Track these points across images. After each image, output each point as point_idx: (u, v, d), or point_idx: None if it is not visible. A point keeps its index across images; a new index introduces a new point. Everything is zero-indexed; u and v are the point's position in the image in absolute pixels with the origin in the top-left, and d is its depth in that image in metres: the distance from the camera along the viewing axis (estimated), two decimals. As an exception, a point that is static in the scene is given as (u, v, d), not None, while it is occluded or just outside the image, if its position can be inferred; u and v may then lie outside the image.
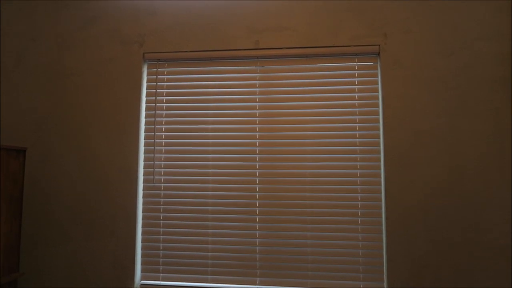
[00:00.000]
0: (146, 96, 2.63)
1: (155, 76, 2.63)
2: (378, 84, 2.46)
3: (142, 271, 2.50)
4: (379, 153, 2.41)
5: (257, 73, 2.56)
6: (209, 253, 2.45)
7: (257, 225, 2.44)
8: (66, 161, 2.59)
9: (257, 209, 2.45)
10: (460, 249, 2.25)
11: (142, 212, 2.54)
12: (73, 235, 2.53)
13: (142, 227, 2.53)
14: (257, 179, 2.47)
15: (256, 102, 2.53)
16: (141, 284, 2.48)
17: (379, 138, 2.42)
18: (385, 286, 2.31)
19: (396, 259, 2.28)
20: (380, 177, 2.39)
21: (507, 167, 2.26)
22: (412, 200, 2.31)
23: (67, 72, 2.67)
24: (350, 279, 2.33)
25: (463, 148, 2.31)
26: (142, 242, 2.52)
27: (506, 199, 2.24)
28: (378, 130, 2.43)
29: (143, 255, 2.51)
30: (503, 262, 2.21)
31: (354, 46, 2.47)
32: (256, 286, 2.39)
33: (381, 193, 2.38)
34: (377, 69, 2.47)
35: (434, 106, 2.36)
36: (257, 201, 2.45)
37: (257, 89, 2.54)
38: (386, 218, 2.32)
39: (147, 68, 2.65)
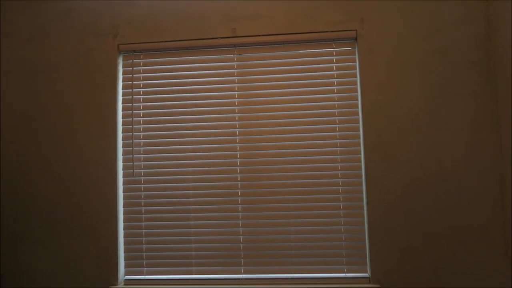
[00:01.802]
0: (122, 89, 2.57)
1: (131, 68, 2.57)
2: (356, 70, 2.46)
3: (126, 266, 2.47)
4: (359, 138, 2.42)
5: (235, 61, 2.53)
6: (193, 245, 2.43)
7: (240, 214, 2.42)
8: (44, 158, 2.53)
9: (239, 199, 2.43)
10: (441, 232, 2.28)
11: (123, 207, 2.50)
12: (54, 234, 2.48)
13: (124, 222, 2.49)
14: (238, 168, 2.45)
15: (235, 90, 2.50)
16: (125, 279, 2.45)
17: (359, 123, 2.42)
18: (368, 271, 2.33)
19: (378, 244, 2.30)
20: (361, 163, 2.40)
21: (485, 150, 2.30)
22: (393, 185, 2.33)
23: (41, 66, 2.59)
24: (333, 264, 2.35)
25: (442, 132, 2.33)
26: (124, 237, 2.49)
27: (487, 182, 2.28)
28: (357, 115, 2.43)
29: (126, 250, 2.47)
30: (482, 245, 2.25)
31: (332, 31, 2.46)
32: (241, 276, 2.39)
33: (361, 178, 2.39)
34: (355, 55, 2.47)
35: (412, 90, 2.37)
36: (239, 190, 2.44)
37: (236, 78, 2.51)
38: (368, 204, 2.33)
39: (123, 60, 2.59)
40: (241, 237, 2.41)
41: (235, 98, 2.50)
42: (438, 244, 2.27)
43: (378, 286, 2.26)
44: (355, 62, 2.46)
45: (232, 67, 2.52)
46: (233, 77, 2.51)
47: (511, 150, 2.15)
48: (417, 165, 2.33)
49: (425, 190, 2.31)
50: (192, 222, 2.45)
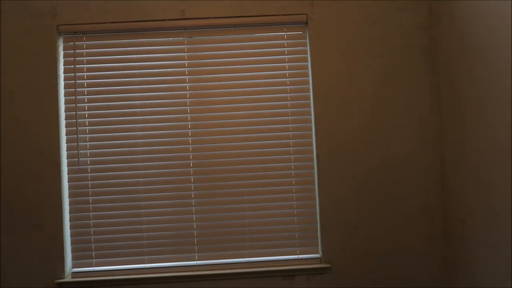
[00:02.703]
0: (64, 73, 2.41)
1: (73, 51, 2.42)
2: (307, 54, 2.47)
3: (73, 258, 2.37)
4: (311, 122, 2.45)
5: (185, 44, 2.45)
6: (144, 233, 2.37)
7: (193, 200, 2.39)
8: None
9: (192, 185, 2.40)
10: (387, 212, 2.38)
11: (69, 197, 2.38)
12: (-8, 228, 2.32)
13: (70, 213, 2.37)
14: (191, 154, 2.41)
15: (185, 74, 2.43)
16: (73, 272, 2.35)
17: (310, 107, 2.45)
18: (319, 251, 2.40)
19: (328, 225, 2.37)
20: (312, 146, 2.44)
21: (428, 131, 2.41)
22: (343, 167, 2.39)
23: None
24: (286, 247, 2.39)
25: (387, 114, 2.41)
26: (71, 228, 2.37)
27: (428, 160, 2.40)
28: (309, 99, 2.46)
29: (73, 242, 2.37)
30: (425, 222, 2.38)
31: (283, 15, 2.44)
32: (195, 262, 2.37)
33: (313, 161, 2.44)
34: (306, 39, 2.48)
35: (360, 74, 2.43)
36: (192, 176, 2.40)
37: (186, 61, 2.44)
38: (319, 186, 2.39)
39: (63, 42, 2.43)
40: (194, 223, 2.39)
41: (186, 83, 2.43)
42: (385, 223, 2.38)
43: (329, 265, 2.33)
44: (306, 46, 2.48)
45: (182, 50, 2.45)
46: (183, 61, 2.44)
47: (448, 133, 2.27)
48: (365, 147, 2.40)
49: (372, 172, 2.39)
50: (144, 210, 2.38)
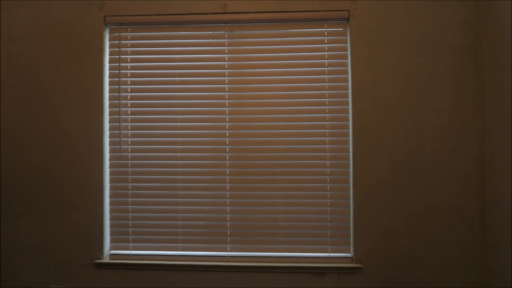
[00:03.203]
0: (109, 62, 2.50)
1: (118, 41, 2.50)
2: (347, 51, 2.44)
3: (111, 241, 2.47)
4: (348, 120, 2.42)
5: (226, 38, 2.48)
6: (179, 222, 2.44)
7: (228, 193, 2.43)
8: (27, 131, 2.47)
9: (228, 177, 2.44)
10: (421, 213, 2.33)
11: (110, 182, 2.48)
12: (38, 207, 2.45)
13: (110, 197, 2.47)
14: (227, 147, 2.44)
15: (225, 68, 2.46)
16: (111, 253, 2.46)
17: (348, 105, 2.43)
18: (351, 250, 2.39)
19: (362, 225, 2.35)
20: (349, 144, 2.42)
21: (468, 133, 2.33)
22: (379, 167, 2.36)
23: (23, 37, 2.49)
24: (318, 244, 2.39)
25: (428, 115, 2.35)
26: (110, 212, 2.48)
27: (468, 164, 2.32)
28: (347, 97, 2.43)
29: (111, 226, 2.47)
30: (461, 226, 2.31)
31: (324, 11, 2.42)
32: (227, 253, 2.42)
33: (349, 160, 2.41)
34: (347, 35, 2.45)
35: (401, 72, 2.38)
36: (228, 169, 2.44)
37: (226, 55, 2.47)
38: (354, 186, 2.37)
39: (109, 33, 2.51)
40: (228, 215, 2.43)
41: (226, 76, 2.46)
42: (419, 225, 2.33)
43: (360, 265, 2.32)
44: (347, 43, 2.44)
45: (222, 44, 2.48)
46: (224, 55, 2.47)
47: (492, 135, 2.19)
48: (402, 147, 2.35)
49: (408, 172, 2.35)
50: (180, 199, 2.45)
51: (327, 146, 2.42)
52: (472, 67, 2.35)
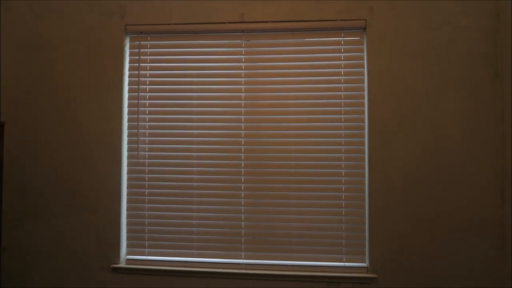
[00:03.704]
0: (129, 70, 2.56)
1: (138, 50, 2.56)
2: (364, 59, 2.44)
3: (128, 246, 2.51)
4: (364, 129, 2.42)
5: (243, 47, 2.51)
6: (194, 228, 2.46)
7: (242, 200, 2.45)
8: (48, 136, 2.54)
9: (242, 185, 2.45)
10: (439, 224, 2.30)
11: (127, 188, 2.52)
12: (57, 211, 2.51)
13: (127, 202, 2.51)
14: (243, 155, 2.46)
15: (242, 76, 2.49)
16: (127, 258, 2.49)
17: (364, 114, 2.42)
18: (366, 260, 2.37)
19: (377, 235, 2.33)
20: (364, 153, 2.41)
21: (488, 142, 2.30)
22: (395, 177, 2.34)
23: (45, 44, 2.57)
24: (333, 253, 2.38)
25: (446, 124, 2.33)
26: (127, 217, 2.51)
27: (486, 175, 2.29)
28: (363, 106, 2.43)
29: (128, 231, 2.51)
30: (479, 238, 2.27)
31: (341, 20, 2.43)
32: (241, 261, 2.42)
33: (365, 169, 2.40)
34: (363, 44, 2.45)
35: (418, 81, 2.37)
36: (242, 176, 2.45)
37: (243, 64, 2.50)
38: (369, 195, 2.35)
39: (130, 41, 2.57)
40: (242, 223, 2.44)
41: (242, 85, 2.49)
42: (436, 236, 2.30)
43: (375, 275, 2.29)
44: (363, 52, 2.45)
45: (239, 53, 2.51)
46: (240, 63, 2.50)
47: (515, 146, 2.16)
48: (419, 157, 2.33)
49: (425, 182, 2.32)
50: (195, 206, 2.47)
51: (342, 155, 2.41)
52: (491, 75, 2.32)
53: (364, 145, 2.41)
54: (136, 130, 2.53)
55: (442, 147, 2.33)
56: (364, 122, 2.42)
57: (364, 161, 2.40)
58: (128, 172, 2.52)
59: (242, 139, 2.47)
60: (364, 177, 2.40)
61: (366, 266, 2.35)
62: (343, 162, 2.41)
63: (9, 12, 2.59)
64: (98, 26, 2.55)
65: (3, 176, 2.26)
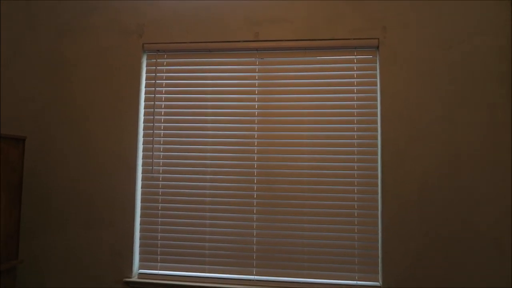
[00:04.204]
0: (145, 87, 2.63)
1: (155, 67, 2.63)
2: (376, 78, 2.47)
3: (140, 260, 2.53)
4: (377, 147, 2.42)
5: (256, 65, 2.56)
6: (207, 244, 2.48)
7: (255, 216, 2.46)
8: (65, 150, 2.61)
9: (255, 201, 2.47)
10: (453, 243, 2.27)
11: (141, 202, 2.56)
12: (72, 224, 2.56)
13: (140, 216, 2.55)
14: (255, 171, 2.49)
15: (255, 94, 2.53)
16: (139, 272, 2.51)
17: (377, 131, 2.43)
18: (379, 279, 2.34)
19: (391, 253, 2.31)
20: (377, 171, 2.41)
21: (503, 162, 2.28)
22: (409, 195, 2.33)
23: (66, 61, 2.67)
24: (345, 271, 2.36)
25: (460, 143, 2.32)
26: (140, 231, 2.54)
27: (501, 194, 2.26)
28: (376, 123, 2.44)
29: (141, 245, 2.53)
30: (495, 256, 2.24)
31: (354, 39, 2.47)
32: (253, 277, 2.42)
33: (377, 186, 2.40)
34: (376, 63, 2.48)
35: (432, 100, 2.37)
36: (255, 192, 2.47)
37: (256, 81, 2.54)
38: (382, 212, 2.34)
39: (147, 59, 2.65)
40: (254, 239, 2.45)
41: (255, 102, 2.53)
42: (450, 254, 2.27)
43: (389, 295, 2.26)
44: (376, 70, 2.47)
45: (253, 71, 2.56)
46: (254, 81, 2.55)
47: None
48: (433, 176, 2.32)
49: (439, 200, 2.30)
50: (208, 221, 2.49)
51: (355, 172, 2.42)
52: (505, 94, 2.31)
53: (377, 162, 2.41)
54: (151, 145, 2.58)
55: (456, 166, 2.31)
56: (377, 139, 2.43)
57: (377, 178, 2.40)
58: (142, 187, 2.57)
59: (255, 155, 2.50)
60: (377, 194, 2.39)
61: (379, 285, 2.32)
62: (356, 179, 2.41)
63: (33, 31, 2.71)
64: (117, 45, 2.64)
65: (22, 190, 2.33)
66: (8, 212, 2.23)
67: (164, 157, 2.57)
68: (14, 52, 2.71)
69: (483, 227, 2.26)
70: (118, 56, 2.64)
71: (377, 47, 2.46)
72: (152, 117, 2.60)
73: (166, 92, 2.61)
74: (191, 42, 2.59)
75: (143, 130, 2.61)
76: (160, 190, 2.55)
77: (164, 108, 2.60)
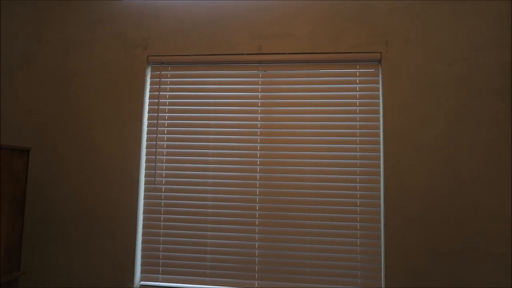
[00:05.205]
0: (149, 99, 2.65)
1: (158, 79, 2.66)
2: (379, 91, 2.48)
3: (142, 272, 2.53)
4: (379, 160, 2.43)
5: (259, 77, 2.58)
6: (208, 255, 2.47)
7: (256, 228, 2.46)
8: (69, 162, 2.62)
9: (257, 212, 2.47)
10: (456, 257, 2.26)
11: (143, 214, 2.56)
12: (74, 235, 2.56)
13: (142, 228, 2.55)
14: (257, 182, 2.49)
15: (258, 106, 2.55)
16: (141, 284, 2.51)
17: (379, 145, 2.44)
18: (382, 292, 2.33)
19: (393, 266, 2.30)
20: (380, 184, 2.41)
21: (505, 177, 2.28)
22: (411, 208, 2.33)
23: (71, 73, 2.70)
24: (348, 284, 2.35)
25: (462, 158, 2.33)
26: (142, 243, 2.54)
27: (503, 209, 2.26)
28: (379, 136, 2.45)
29: (143, 256, 2.53)
30: (499, 271, 2.22)
31: (356, 53, 2.49)
32: (255, 289, 2.42)
33: (380, 199, 2.40)
34: (378, 76, 2.50)
35: (434, 115, 2.38)
36: (257, 204, 2.47)
37: (259, 94, 2.56)
38: (385, 225, 2.34)
39: (151, 71, 2.68)
40: (256, 251, 2.44)
41: (258, 114, 2.55)
42: (454, 270, 2.25)
43: (392, 309, 2.25)
44: (378, 84, 2.49)
45: (256, 83, 2.58)
46: (257, 93, 2.57)
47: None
48: (436, 190, 2.32)
49: (442, 216, 2.30)
50: (209, 233, 2.49)
51: (358, 184, 2.42)
52: (508, 111, 2.32)
53: (379, 176, 2.42)
54: (154, 157, 2.59)
55: (458, 181, 2.31)
56: (379, 152, 2.43)
57: (380, 191, 2.40)
58: (144, 198, 2.57)
59: (258, 166, 2.50)
60: (380, 207, 2.39)
61: (381, 299, 2.31)
62: (358, 192, 2.41)
63: (39, 44, 2.74)
64: (122, 58, 2.67)
65: (25, 201, 2.34)
66: (11, 223, 2.23)
67: (167, 168, 2.58)
68: (19, 64, 2.74)
69: (486, 243, 2.25)
70: (122, 69, 2.66)
71: (380, 61, 2.48)
72: (156, 128, 2.62)
73: (170, 104, 2.63)
74: (195, 55, 2.62)
75: (146, 141, 2.62)
76: (163, 201, 2.55)
77: (167, 120, 2.62)
